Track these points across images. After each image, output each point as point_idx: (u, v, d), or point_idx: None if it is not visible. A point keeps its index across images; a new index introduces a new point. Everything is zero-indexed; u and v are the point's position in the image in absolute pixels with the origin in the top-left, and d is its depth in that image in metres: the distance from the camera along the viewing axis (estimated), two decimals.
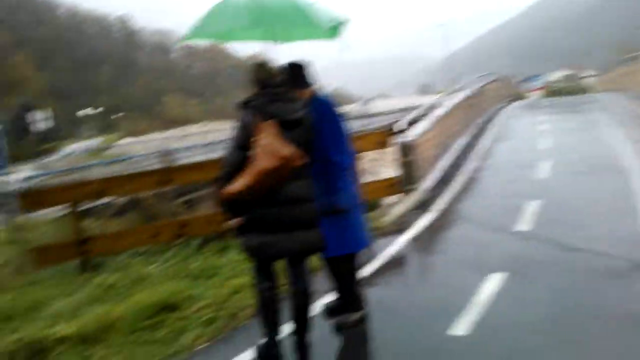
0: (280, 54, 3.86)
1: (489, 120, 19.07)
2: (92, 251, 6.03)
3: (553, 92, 33.66)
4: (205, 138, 34.61)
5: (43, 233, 8.10)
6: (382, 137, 7.27)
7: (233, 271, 5.29)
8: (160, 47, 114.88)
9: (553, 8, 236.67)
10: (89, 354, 3.94)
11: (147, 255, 6.16)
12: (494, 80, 25.09)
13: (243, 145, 3.23)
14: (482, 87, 20.86)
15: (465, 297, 4.29)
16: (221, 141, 27.68)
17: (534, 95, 35.39)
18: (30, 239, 7.72)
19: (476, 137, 15.05)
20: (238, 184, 3.19)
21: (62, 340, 4.09)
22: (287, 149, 3.16)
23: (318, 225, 3.42)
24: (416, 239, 6.23)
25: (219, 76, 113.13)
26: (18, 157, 32.94)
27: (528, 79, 42.95)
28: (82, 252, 5.97)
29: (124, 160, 24.37)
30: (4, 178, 10.01)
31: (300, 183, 3.32)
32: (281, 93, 3.35)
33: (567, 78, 36.55)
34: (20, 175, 17.88)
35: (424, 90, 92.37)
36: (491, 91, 23.16)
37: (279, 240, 3.28)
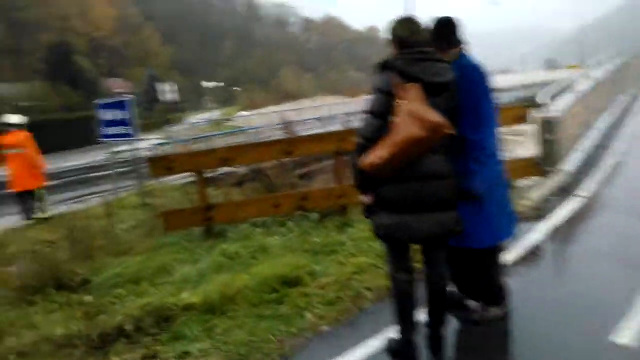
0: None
1: (635, 99, 17.17)
2: (215, 219, 6.06)
3: None
4: (319, 112, 34.91)
5: (171, 199, 8.37)
6: (522, 111, 6.46)
7: (355, 249, 5.03)
8: (279, 20, 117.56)
9: None
10: (213, 325, 3.88)
11: (266, 227, 6.09)
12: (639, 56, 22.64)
13: (382, 112, 2.83)
14: (625, 62, 18.81)
15: (626, 299, 3.68)
16: (333, 116, 27.81)
17: None
18: (158, 204, 8.00)
19: (622, 116, 13.52)
20: (376, 156, 2.79)
21: (187, 308, 4.07)
22: (436, 115, 2.75)
23: (456, 207, 3.00)
24: (560, 228, 5.52)
25: (334, 50, 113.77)
26: (147, 127, 35.21)
27: None
28: (207, 219, 6.02)
29: (244, 130, 25.18)
30: (135, 145, 10.51)
31: (439, 157, 2.88)
32: (427, 52, 2.92)
33: None
34: (149, 143, 19.01)
35: (550, 65, 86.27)
36: (636, 67, 20.88)
37: (415, 221, 2.87)
